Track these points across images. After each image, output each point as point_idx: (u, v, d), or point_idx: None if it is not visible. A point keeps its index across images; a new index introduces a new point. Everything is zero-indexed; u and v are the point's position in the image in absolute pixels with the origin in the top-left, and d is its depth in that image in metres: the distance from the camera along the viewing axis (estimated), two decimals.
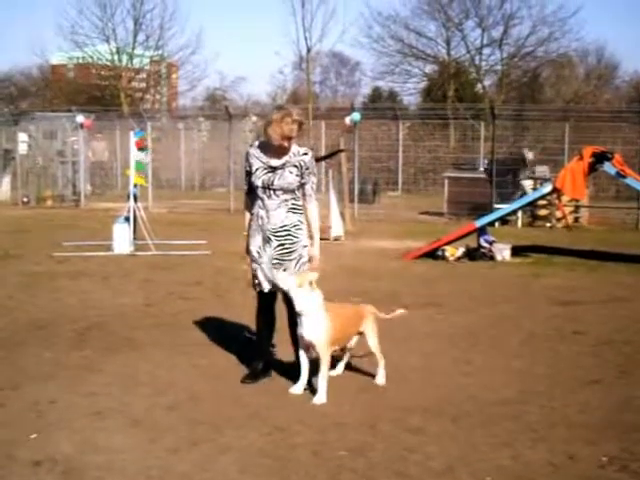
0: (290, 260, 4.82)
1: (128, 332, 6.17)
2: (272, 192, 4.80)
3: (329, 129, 22.06)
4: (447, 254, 10.54)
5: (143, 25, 38.04)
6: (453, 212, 16.86)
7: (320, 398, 4.48)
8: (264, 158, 4.82)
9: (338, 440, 3.91)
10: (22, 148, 20.25)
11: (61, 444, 3.81)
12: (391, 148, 22.50)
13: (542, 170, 16.80)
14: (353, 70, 43.96)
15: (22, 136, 20.32)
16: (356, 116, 16.75)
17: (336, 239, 12.63)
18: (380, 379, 4.88)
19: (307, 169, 4.82)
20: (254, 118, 25.15)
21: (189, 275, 9.05)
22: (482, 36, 37.22)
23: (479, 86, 38.75)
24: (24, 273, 9.00)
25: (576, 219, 15.72)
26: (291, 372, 4.87)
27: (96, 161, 22.73)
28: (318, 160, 12.11)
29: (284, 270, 4.77)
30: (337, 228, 12.90)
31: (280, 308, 4.99)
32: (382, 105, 31.41)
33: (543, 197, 12.66)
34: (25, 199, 19.86)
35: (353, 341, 4.97)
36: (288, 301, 4.75)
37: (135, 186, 11.37)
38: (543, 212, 15.74)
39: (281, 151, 4.77)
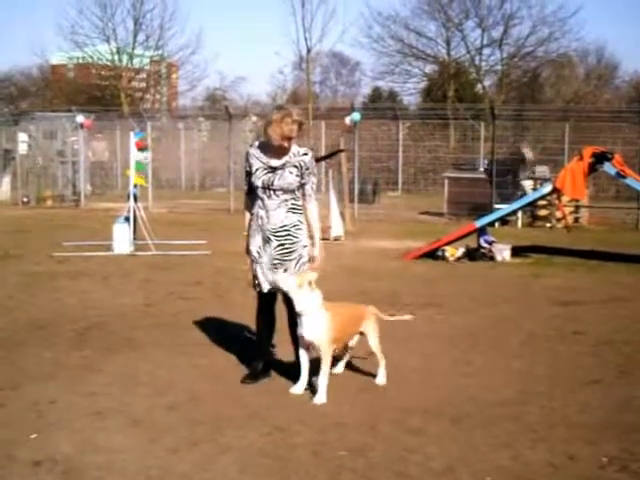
0: (290, 260, 4.82)
1: (128, 332, 6.17)
2: (272, 192, 4.80)
3: (329, 129, 22.06)
4: (447, 254, 10.54)
5: (143, 25, 38.13)
6: (453, 212, 16.86)
7: (320, 398, 4.48)
8: (264, 158, 4.83)
9: (338, 440, 3.91)
10: (22, 148, 20.26)
11: (61, 444, 3.81)
12: (391, 148, 22.50)
13: (542, 170, 16.81)
14: (353, 70, 44.03)
15: (22, 136, 20.33)
16: (356, 116, 16.75)
17: (336, 239, 12.63)
18: (380, 379, 4.88)
19: (307, 169, 4.82)
20: (254, 118, 25.16)
21: (189, 275, 9.05)
22: (482, 36, 37.31)
23: (479, 86, 38.77)
24: (24, 273, 9.00)
25: (576, 219, 15.71)
26: (291, 372, 4.87)
27: (96, 161, 22.73)
28: (318, 160, 12.11)
29: (284, 270, 4.78)
30: (337, 228, 12.90)
31: (280, 308, 4.99)
32: (382, 105, 31.42)
33: (543, 197, 12.66)
34: (25, 199, 19.86)
35: (354, 341, 4.97)
36: (288, 301, 4.75)
37: (135, 186, 11.37)
38: (543, 212, 15.74)
39: (281, 151, 4.77)
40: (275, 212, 4.81)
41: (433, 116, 23.96)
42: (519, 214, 15.35)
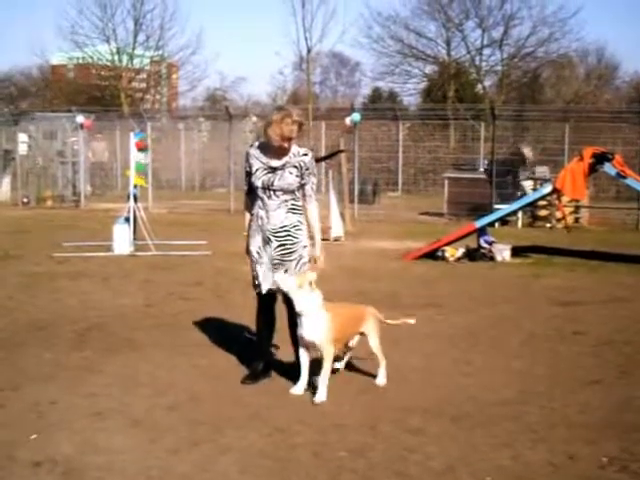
0: (290, 261, 4.83)
1: (128, 333, 6.17)
2: (272, 193, 4.80)
3: (329, 129, 22.06)
4: (447, 255, 10.54)
5: (143, 25, 38.14)
6: (453, 212, 16.86)
7: (320, 396, 4.49)
8: (264, 159, 4.83)
9: (338, 441, 3.92)
10: (22, 148, 20.27)
11: (61, 445, 3.81)
12: (391, 149, 22.49)
13: (542, 170, 16.81)
14: (353, 70, 44.04)
15: (22, 136, 20.33)
16: (356, 116, 16.76)
17: (336, 239, 12.63)
18: (381, 380, 4.88)
19: (307, 170, 4.83)
20: (254, 118, 25.16)
21: (189, 275, 9.05)
22: (482, 36, 37.32)
23: (479, 86, 38.78)
24: (24, 274, 9.00)
25: (576, 219, 15.71)
26: (291, 372, 4.87)
27: (96, 161, 22.73)
28: (318, 161, 12.11)
29: (285, 271, 4.78)
30: (337, 229, 12.91)
31: (280, 308, 5.00)
32: (382, 105, 31.41)
33: (543, 198, 12.66)
34: (25, 199, 19.86)
35: (354, 341, 4.97)
36: (288, 302, 4.75)
37: (135, 187, 11.37)
38: (543, 213, 15.74)
39: (281, 152, 4.77)
40: (275, 212, 4.81)
41: (433, 116, 23.95)
42: (519, 214, 15.35)
